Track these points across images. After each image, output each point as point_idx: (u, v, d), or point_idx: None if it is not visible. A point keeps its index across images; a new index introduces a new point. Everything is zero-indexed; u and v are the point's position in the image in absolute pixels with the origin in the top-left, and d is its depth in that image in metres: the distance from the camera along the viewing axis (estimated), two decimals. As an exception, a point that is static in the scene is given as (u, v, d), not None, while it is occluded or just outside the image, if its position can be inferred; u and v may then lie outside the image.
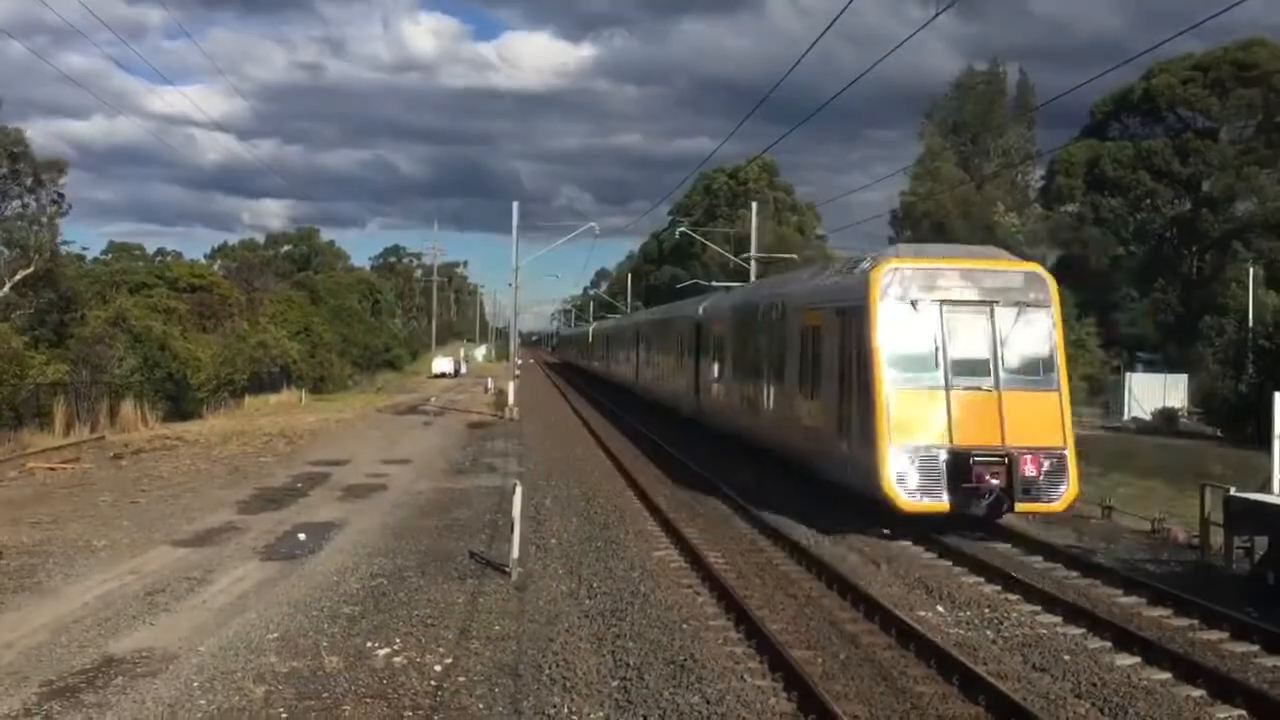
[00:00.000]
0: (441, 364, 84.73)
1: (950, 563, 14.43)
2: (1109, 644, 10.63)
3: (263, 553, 14.78)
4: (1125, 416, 43.44)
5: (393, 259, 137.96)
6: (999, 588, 13.01)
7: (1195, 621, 11.43)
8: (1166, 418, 40.80)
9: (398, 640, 10.49)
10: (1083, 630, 11.12)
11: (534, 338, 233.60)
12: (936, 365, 15.67)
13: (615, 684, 9.24)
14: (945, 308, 15.90)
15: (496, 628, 11.00)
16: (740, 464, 23.12)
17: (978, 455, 14.93)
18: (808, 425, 18.88)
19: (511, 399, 40.22)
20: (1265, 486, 14.29)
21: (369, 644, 10.35)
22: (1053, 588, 12.71)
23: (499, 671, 9.58)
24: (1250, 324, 41.53)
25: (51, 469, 24.57)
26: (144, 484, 21.85)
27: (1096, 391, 48.37)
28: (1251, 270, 46.37)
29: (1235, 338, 41.95)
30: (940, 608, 12.03)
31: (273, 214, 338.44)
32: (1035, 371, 16.01)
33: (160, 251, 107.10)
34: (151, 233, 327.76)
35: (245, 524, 17.05)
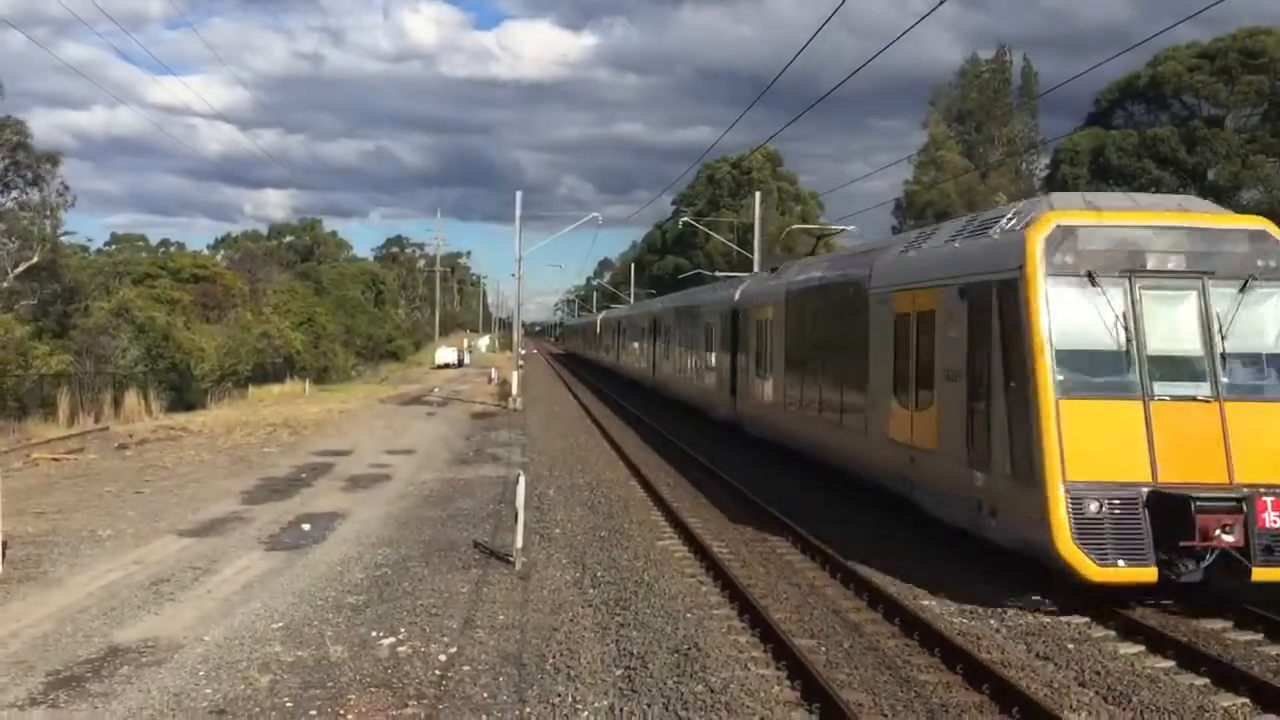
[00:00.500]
0: (445, 354, 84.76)
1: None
2: None
3: (267, 543, 14.80)
4: None
5: (395, 249, 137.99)
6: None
7: None
8: None
9: (402, 630, 10.50)
10: None
11: (537, 328, 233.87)
12: (1128, 365, 11.38)
13: (619, 673, 9.25)
14: (1138, 281, 11.59)
15: (501, 617, 11.01)
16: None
17: (1200, 498, 10.49)
18: (909, 444, 14.40)
19: (515, 389, 40.26)
20: None
21: (373, 633, 10.37)
22: None
23: (503, 661, 9.60)
24: None
25: (56, 459, 24.61)
26: (148, 474, 21.89)
27: None
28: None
29: None
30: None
31: (275, 204, 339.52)
32: (1271, 373, 11.61)
33: (164, 242, 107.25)
34: (154, 223, 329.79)
35: (249, 514, 17.08)
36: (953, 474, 12.92)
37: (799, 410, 20.48)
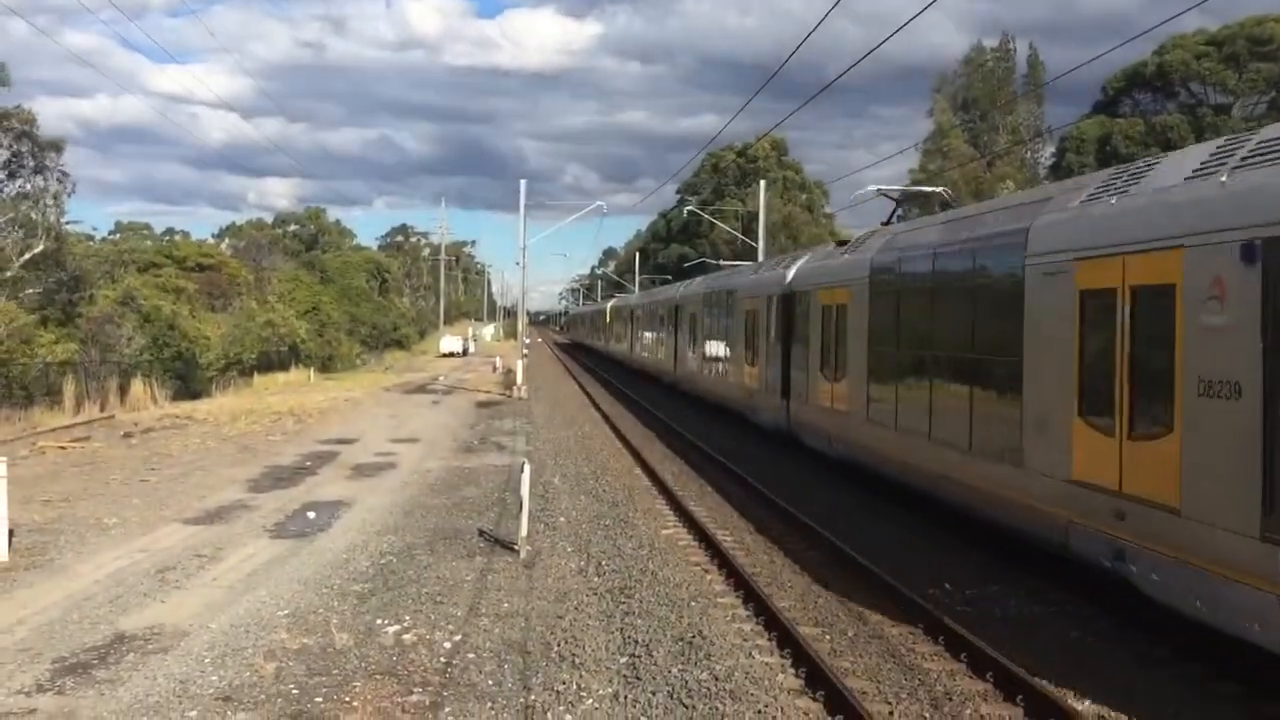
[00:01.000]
0: (449, 343, 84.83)
1: None
2: None
3: (272, 531, 14.84)
4: None
5: (400, 238, 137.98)
6: None
7: None
8: None
9: (407, 617, 10.53)
10: None
11: (541, 317, 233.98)
12: None
13: (624, 660, 9.27)
14: None
15: (505, 605, 11.03)
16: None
17: None
18: (1115, 490, 9.69)
19: (520, 378, 40.28)
20: None
21: (378, 621, 10.39)
22: None
23: (508, 648, 9.61)
24: None
25: (62, 447, 24.67)
26: (154, 462, 21.93)
27: None
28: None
29: None
30: None
31: (278, 193, 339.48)
32: None
33: (169, 231, 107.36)
34: (158, 212, 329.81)
35: (255, 502, 17.12)
36: (1227, 549, 8.12)
37: (890, 426, 15.52)
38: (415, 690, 8.56)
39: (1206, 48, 62.34)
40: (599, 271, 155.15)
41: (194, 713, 8.00)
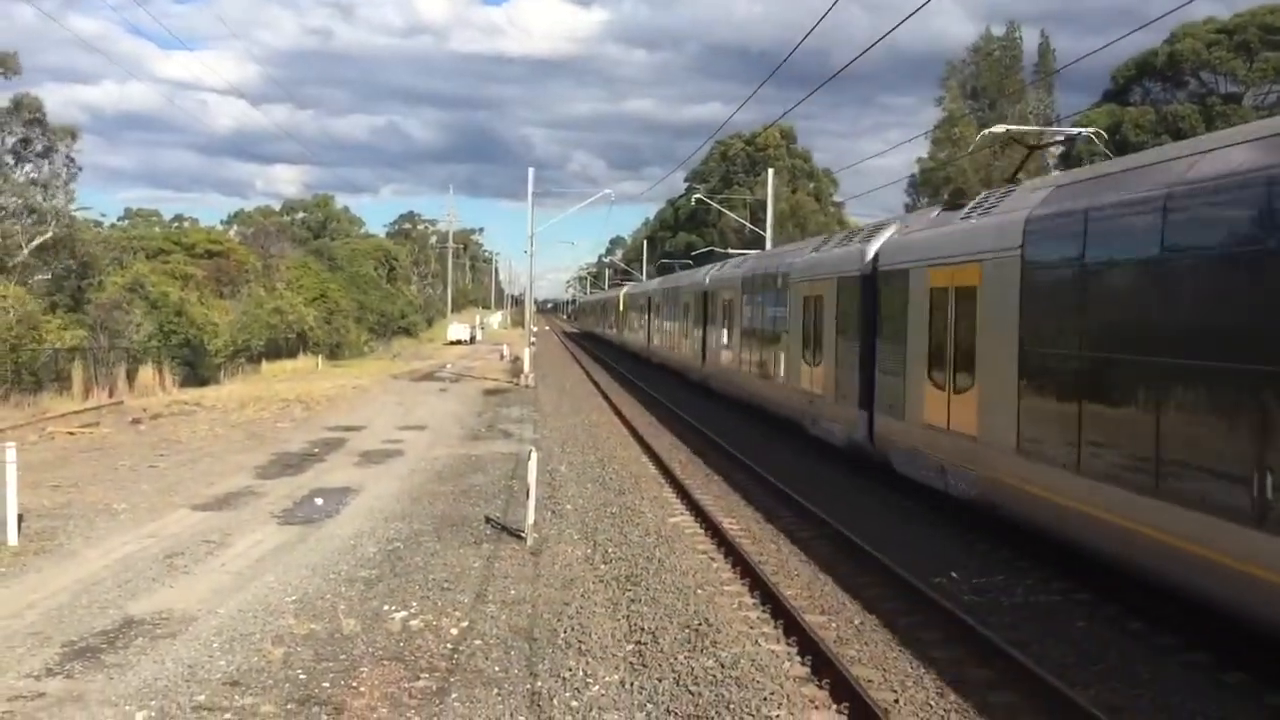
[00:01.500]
0: (457, 331, 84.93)
1: None
2: None
3: (280, 517, 14.88)
4: None
5: (407, 225, 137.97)
6: None
7: None
8: None
9: (414, 604, 10.56)
10: None
11: (549, 305, 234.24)
12: None
13: (630, 648, 9.29)
14: None
15: (512, 592, 11.06)
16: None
17: None
18: None
19: (527, 366, 40.30)
20: None
21: (386, 607, 10.43)
22: None
23: (514, 635, 9.64)
24: None
25: (71, 433, 24.77)
26: (162, 448, 22.01)
27: None
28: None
29: None
30: None
31: (285, 180, 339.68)
32: None
33: (178, 217, 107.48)
34: (166, 199, 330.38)
35: (263, 488, 17.17)
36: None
37: (1065, 465, 10.75)
38: (422, 676, 8.59)
39: (1217, 36, 62.00)
40: (607, 260, 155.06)
41: (202, 697, 8.04)
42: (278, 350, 52.96)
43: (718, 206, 69.38)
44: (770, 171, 53.25)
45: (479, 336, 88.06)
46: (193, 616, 10.06)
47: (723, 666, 8.72)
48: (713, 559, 12.63)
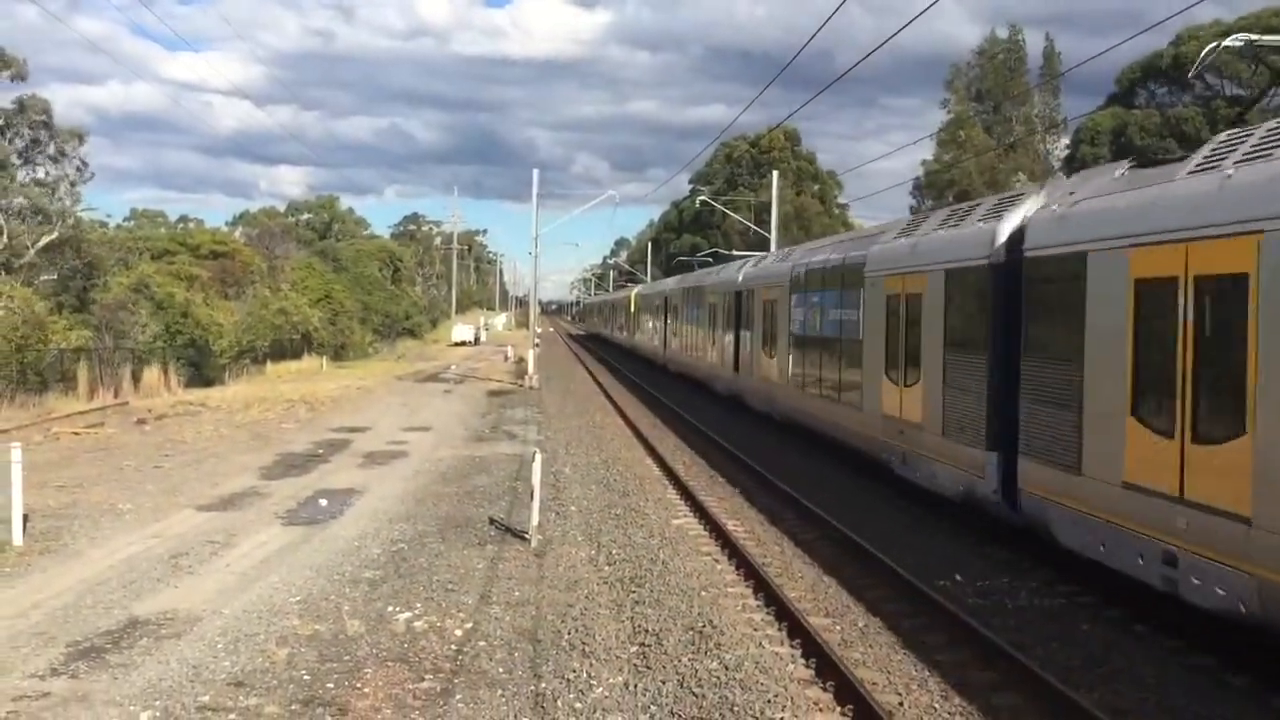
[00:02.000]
0: (461, 332, 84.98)
1: None
2: None
3: (285, 517, 14.90)
4: None
5: (412, 227, 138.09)
6: None
7: None
8: None
9: (418, 605, 10.56)
10: None
11: (553, 306, 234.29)
12: None
13: (634, 649, 9.29)
14: None
15: (516, 593, 11.06)
16: None
17: None
18: None
19: (531, 368, 40.32)
20: None
21: (390, 608, 10.43)
22: None
23: (519, 636, 9.64)
24: None
25: (76, 433, 24.81)
26: (167, 449, 22.04)
27: None
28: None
29: None
30: None
31: (290, 181, 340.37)
32: None
33: (183, 218, 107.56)
34: (170, 200, 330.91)
35: (267, 489, 17.19)
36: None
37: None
38: (426, 677, 8.60)
39: (1223, 38, 61.86)
40: (611, 261, 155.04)
41: (206, 697, 8.05)
42: (282, 351, 53.02)
43: (722, 209, 69.37)
44: (775, 174, 53.22)
45: (483, 338, 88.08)
46: (197, 617, 10.07)
47: (726, 669, 8.72)
48: (716, 561, 12.63)
